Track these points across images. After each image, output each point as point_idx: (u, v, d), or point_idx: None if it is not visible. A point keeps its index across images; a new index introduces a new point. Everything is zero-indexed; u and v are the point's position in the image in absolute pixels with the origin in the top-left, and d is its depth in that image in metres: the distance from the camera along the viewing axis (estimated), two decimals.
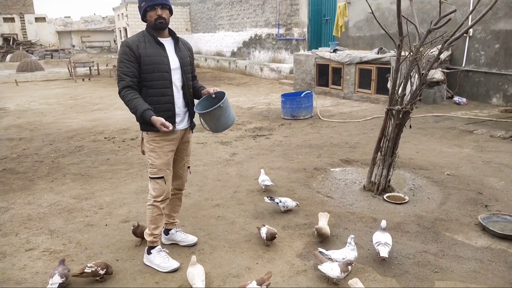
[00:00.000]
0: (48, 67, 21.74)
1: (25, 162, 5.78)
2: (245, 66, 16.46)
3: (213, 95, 2.97)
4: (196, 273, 2.72)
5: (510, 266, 2.89)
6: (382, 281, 2.78)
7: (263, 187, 4.34)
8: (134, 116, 2.82)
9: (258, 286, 2.52)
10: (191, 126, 3.13)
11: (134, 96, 2.76)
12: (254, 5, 16.47)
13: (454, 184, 4.38)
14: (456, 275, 2.81)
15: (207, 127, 3.02)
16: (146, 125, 2.88)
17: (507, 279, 2.74)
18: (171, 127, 2.72)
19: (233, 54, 18.82)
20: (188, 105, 3.03)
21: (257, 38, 16.66)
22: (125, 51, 2.77)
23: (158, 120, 2.70)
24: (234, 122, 3.00)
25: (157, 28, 2.84)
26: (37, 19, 36.00)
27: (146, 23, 2.89)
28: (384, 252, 2.91)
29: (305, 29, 13.63)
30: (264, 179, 4.32)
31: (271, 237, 3.21)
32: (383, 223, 3.08)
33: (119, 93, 2.81)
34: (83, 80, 16.78)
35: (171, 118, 2.90)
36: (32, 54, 26.83)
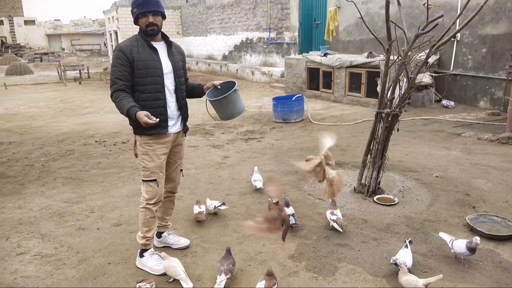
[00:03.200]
0: (37, 71, 21.57)
1: (15, 166, 5.73)
2: (237, 70, 16.50)
3: (219, 87, 3.05)
4: (175, 265, 2.77)
5: (497, 266, 2.95)
6: (373, 281, 2.82)
7: (254, 187, 4.37)
8: (127, 118, 2.83)
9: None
10: (184, 129, 3.15)
11: (124, 97, 2.75)
12: (245, 9, 16.54)
13: (443, 186, 4.46)
14: (445, 274, 2.86)
15: (220, 116, 3.09)
16: (139, 129, 2.90)
17: (494, 278, 2.80)
18: (155, 120, 2.68)
19: (225, 57, 18.86)
20: (181, 108, 3.06)
21: (248, 41, 16.73)
22: (118, 56, 2.78)
23: (142, 113, 2.66)
24: (244, 109, 3.14)
25: (148, 34, 2.86)
26: (26, 22, 35.71)
27: (138, 27, 2.91)
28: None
29: (296, 33, 13.74)
30: (256, 179, 4.36)
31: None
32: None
33: (111, 96, 2.82)
34: (79, 83, 16.69)
35: (164, 122, 2.92)
36: (21, 57, 26.61)
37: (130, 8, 2.94)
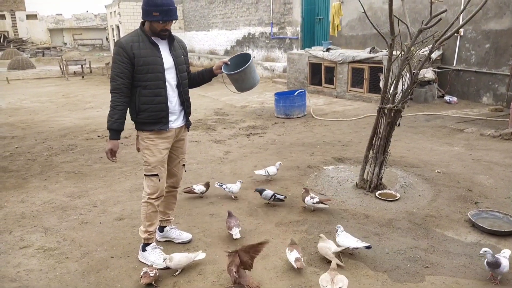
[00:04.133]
0: (39, 65, 21.57)
1: (18, 161, 5.76)
2: None
3: (228, 62, 3.13)
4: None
5: None
6: (374, 276, 2.83)
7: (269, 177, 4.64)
8: (129, 114, 2.94)
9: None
10: (187, 124, 3.16)
11: (117, 106, 2.83)
12: (247, 3, 16.47)
13: (445, 182, 4.46)
14: (446, 270, 2.87)
15: (239, 88, 3.17)
16: (140, 124, 2.92)
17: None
18: (113, 160, 2.94)
19: (227, 52, 18.81)
20: (184, 103, 3.06)
21: (251, 36, 16.68)
22: (118, 52, 2.77)
23: (110, 144, 2.88)
24: (259, 80, 3.24)
25: (160, 37, 2.87)
26: (28, 17, 35.65)
27: (142, 22, 2.89)
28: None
29: (298, 28, 13.68)
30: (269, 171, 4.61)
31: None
32: None
33: (110, 92, 2.87)
34: (82, 77, 16.70)
35: (165, 118, 2.93)
36: (23, 51, 26.60)
37: (132, 3, 2.93)
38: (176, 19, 2.83)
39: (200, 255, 3.00)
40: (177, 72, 2.97)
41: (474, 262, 2.95)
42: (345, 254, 3.10)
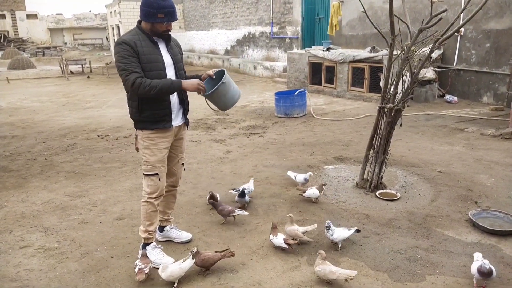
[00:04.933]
0: (39, 65, 21.57)
1: (18, 160, 5.75)
2: (239, 65, 16.46)
3: (213, 76, 3.01)
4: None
5: (499, 261, 2.95)
6: (375, 275, 2.82)
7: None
8: (162, 93, 2.78)
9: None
10: (186, 122, 3.15)
11: (152, 80, 2.72)
12: (247, 3, 16.46)
13: (445, 181, 4.45)
14: (447, 269, 2.87)
15: (216, 108, 3.08)
16: (141, 123, 2.90)
17: (497, 274, 2.79)
18: (204, 86, 2.83)
19: (227, 52, 18.81)
20: (183, 101, 3.06)
21: (251, 36, 16.67)
22: (125, 48, 2.74)
23: (193, 80, 2.82)
24: (239, 96, 3.07)
25: (161, 36, 2.89)
26: (29, 16, 35.66)
27: (139, 20, 2.88)
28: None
29: (299, 28, 13.67)
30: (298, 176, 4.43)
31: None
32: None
33: (134, 83, 2.67)
34: (88, 77, 16.72)
35: (168, 115, 2.93)
36: (24, 51, 26.60)
37: (132, 3, 2.93)
38: (177, 19, 2.88)
39: (188, 262, 2.81)
40: (176, 70, 2.97)
41: None
42: (345, 254, 3.10)
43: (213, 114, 8.65)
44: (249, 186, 4.12)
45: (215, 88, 2.87)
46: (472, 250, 3.10)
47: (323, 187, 4.03)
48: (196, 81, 2.83)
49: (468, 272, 2.82)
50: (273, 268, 2.94)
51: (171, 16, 2.80)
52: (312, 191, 3.95)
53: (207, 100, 3.03)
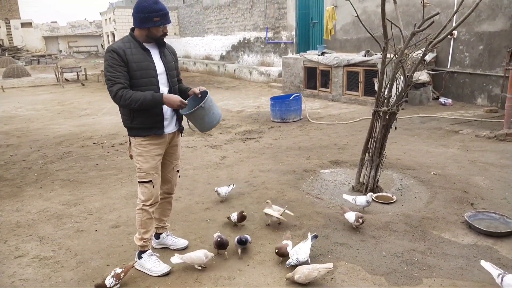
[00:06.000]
0: (34, 73, 21.51)
1: (13, 169, 5.72)
2: (234, 70, 16.50)
3: (199, 95, 2.96)
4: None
5: (496, 263, 2.94)
6: (371, 279, 2.82)
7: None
8: (142, 106, 2.76)
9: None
10: (180, 129, 3.15)
11: (134, 92, 2.74)
12: (242, 9, 16.53)
13: (441, 184, 4.46)
14: (444, 272, 2.87)
15: (194, 128, 3.03)
16: (134, 130, 2.90)
17: (493, 275, 2.80)
18: (184, 105, 2.82)
19: (222, 57, 18.85)
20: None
21: (246, 41, 16.72)
22: (113, 56, 2.75)
23: (173, 98, 2.78)
24: (219, 120, 3.01)
25: (158, 41, 2.91)
26: (23, 25, 35.65)
27: (132, 28, 2.89)
28: None
29: (293, 33, 13.73)
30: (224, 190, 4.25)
31: (241, 218, 3.60)
32: None
33: (115, 96, 2.72)
34: (82, 84, 16.68)
35: (159, 122, 2.92)
36: (19, 60, 26.55)
37: (127, 10, 2.94)
38: (171, 22, 2.91)
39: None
40: (168, 77, 2.98)
41: (471, 264, 2.95)
42: (342, 258, 3.09)
43: None
44: (228, 189, 4.21)
45: (193, 109, 2.83)
46: (469, 252, 3.11)
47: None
48: (177, 98, 2.80)
49: (465, 274, 2.83)
50: (270, 274, 2.93)
51: (166, 18, 2.83)
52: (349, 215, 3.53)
53: (187, 119, 2.97)
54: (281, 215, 3.57)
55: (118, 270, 2.77)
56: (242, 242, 3.15)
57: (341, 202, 4.11)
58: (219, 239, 3.12)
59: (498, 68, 8.26)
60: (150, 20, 2.77)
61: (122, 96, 2.71)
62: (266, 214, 3.61)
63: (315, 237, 3.16)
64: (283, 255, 3.01)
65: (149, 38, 2.86)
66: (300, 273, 2.73)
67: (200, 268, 2.98)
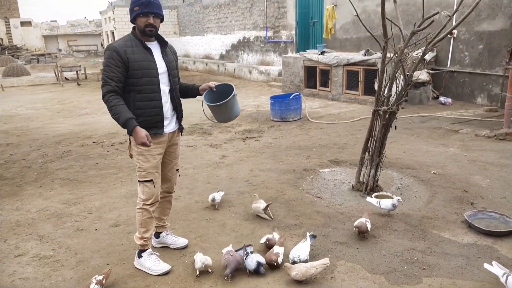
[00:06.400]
0: (34, 72, 21.47)
1: (12, 168, 5.72)
2: (234, 69, 16.49)
3: (214, 89, 3.07)
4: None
5: (496, 262, 2.95)
6: (371, 278, 2.82)
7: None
8: (116, 122, 2.78)
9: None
10: (180, 128, 3.15)
11: (119, 102, 2.74)
12: (242, 8, 16.52)
13: (441, 183, 4.46)
14: (443, 271, 2.87)
15: (217, 119, 3.15)
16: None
17: (493, 275, 2.80)
18: (150, 145, 2.77)
19: (222, 57, 18.85)
20: (176, 108, 3.05)
21: (246, 41, 16.72)
22: (112, 56, 2.75)
23: (142, 131, 2.72)
24: (239, 114, 3.22)
25: (146, 34, 2.85)
26: (23, 23, 35.60)
27: (133, 26, 2.89)
28: None
29: (293, 32, 13.73)
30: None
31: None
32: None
33: (103, 97, 2.78)
34: (78, 83, 16.65)
35: (160, 122, 2.92)
36: (18, 58, 26.49)
37: (127, 9, 2.94)
38: (159, 14, 2.82)
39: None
40: (170, 77, 2.97)
41: (471, 263, 2.95)
42: (342, 258, 3.09)
43: (208, 119, 8.64)
44: (219, 196, 4.07)
45: (226, 100, 2.96)
46: (469, 251, 3.11)
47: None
48: (144, 135, 2.71)
49: (465, 274, 2.83)
50: (270, 273, 2.92)
51: (145, 6, 2.75)
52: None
53: (207, 107, 3.08)
54: (265, 209, 3.72)
55: (99, 277, 2.73)
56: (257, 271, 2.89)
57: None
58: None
59: (498, 68, 8.26)
60: (132, 11, 2.79)
61: (107, 101, 2.74)
62: (253, 208, 3.79)
63: (314, 236, 3.16)
64: (271, 266, 2.95)
65: (140, 33, 2.83)
66: (297, 270, 2.74)
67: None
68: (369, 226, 3.30)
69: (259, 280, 2.84)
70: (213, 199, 4.03)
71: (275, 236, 3.23)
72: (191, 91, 3.20)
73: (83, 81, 17.92)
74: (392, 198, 4.08)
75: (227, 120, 3.18)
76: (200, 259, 2.86)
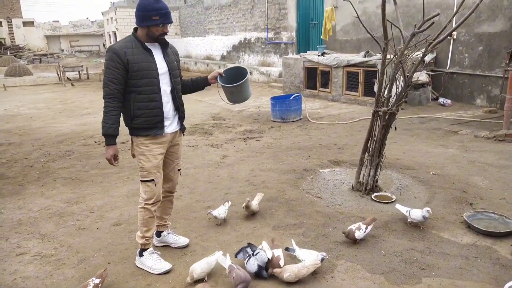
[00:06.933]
0: (36, 72, 21.54)
1: (14, 167, 5.75)
2: None
3: (223, 74, 3.20)
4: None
5: (495, 262, 2.97)
6: (371, 278, 2.84)
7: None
8: (123, 119, 2.94)
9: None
10: (181, 129, 3.17)
11: (111, 111, 2.82)
12: (243, 9, 16.56)
13: (440, 183, 4.48)
14: (443, 271, 2.89)
15: (233, 100, 3.29)
16: (135, 130, 2.93)
17: (492, 275, 2.82)
18: (116, 165, 3.00)
19: (223, 58, 18.88)
20: (178, 108, 3.07)
21: (247, 42, 16.75)
22: (111, 58, 2.77)
23: (112, 150, 2.88)
24: (250, 95, 3.38)
25: (158, 41, 2.91)
26: (25, 24, 35.70)
27: (135, 27, 2.91)
28: None
29: (294, 33, 13.76)
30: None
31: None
32: None
33: (103, 98, 2.87)
34: (72, 84, 16.66)
35: (160, 123, 2.95)
36: (20, 58, 26.56)
37: (129, 9, 2.97)
38: (172, 22, 2.93)
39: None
40: (171, 77, 2.99)
41: (470, 263, 2.97)
42: (341, 257, 3.11)
43: (210, 119, 8.68)
44: (224, 211, 3.75)
45: (242, 81, 3.11)
46: (468, 251, 3.13)
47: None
48: (112, 153, 2.89)
49: (464, 274, 2.85)
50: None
51: (165, 17, 2.81)
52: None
53: (223, 89, 3.22)
54: (245, 207, 3.79)
55: (96, 281, 2.71)
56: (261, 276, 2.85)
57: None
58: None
59: (498, 69, 8.28)
60: (149, 18, 2.78)
61: (104, 105, 2.85)
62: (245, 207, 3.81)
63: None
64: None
65: (149, 37, 2.87)
66: (290, 272, 2.75)
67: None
68: (361, 233, 3.14)
69: (259, 280, 2.86)
70: (216, 217, 3.67)
71: (265, 245, 3.05)
72: (201, 83, 3.28)
73: (85, 81, 17.96)
74: (392, 198, 4.11)
75: (242, 100, 3.31)
76: (201, 268, 2.79)
